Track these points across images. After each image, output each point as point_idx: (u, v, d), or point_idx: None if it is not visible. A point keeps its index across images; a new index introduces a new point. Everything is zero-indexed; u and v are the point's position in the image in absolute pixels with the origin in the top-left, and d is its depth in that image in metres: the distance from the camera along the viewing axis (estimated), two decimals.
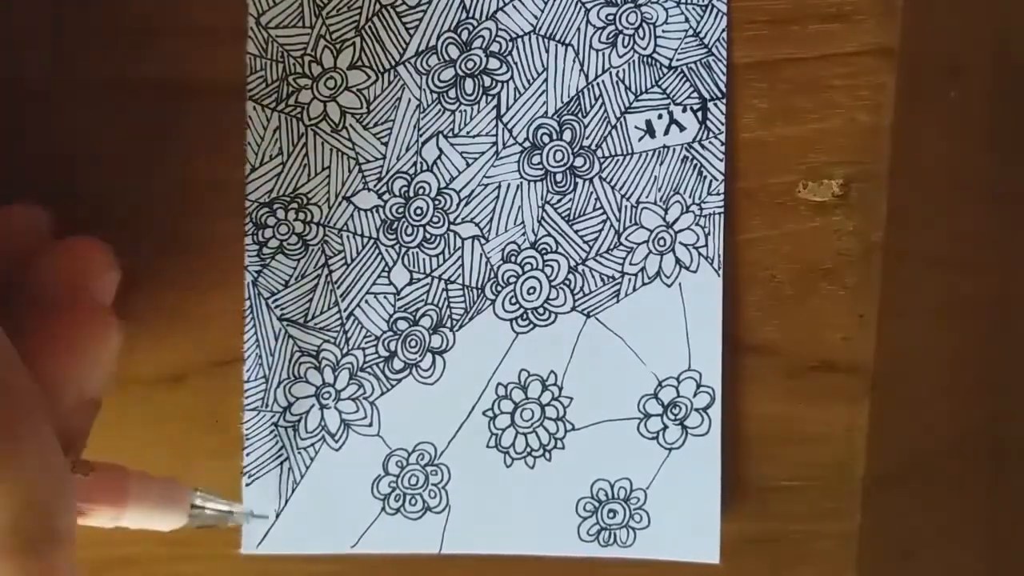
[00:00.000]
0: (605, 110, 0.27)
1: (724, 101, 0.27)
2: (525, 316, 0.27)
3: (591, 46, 0.26)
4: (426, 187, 0.27)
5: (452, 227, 0.27)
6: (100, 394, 0.23)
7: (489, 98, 0.27)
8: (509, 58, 0.26)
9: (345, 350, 0.27)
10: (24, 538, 0.16)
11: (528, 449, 0.28)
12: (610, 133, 0.27)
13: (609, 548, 0.28)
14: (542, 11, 0.26)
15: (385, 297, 0.27)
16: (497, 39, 0.26)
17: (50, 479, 0.17)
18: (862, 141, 0.27)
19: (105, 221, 0.26)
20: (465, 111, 0.27)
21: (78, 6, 0.25)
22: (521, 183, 0.27)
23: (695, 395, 0.27)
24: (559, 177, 0.27)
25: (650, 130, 0.27)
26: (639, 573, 0.28)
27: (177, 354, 0.27)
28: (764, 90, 0.27)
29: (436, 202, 0.27)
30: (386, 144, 0.27)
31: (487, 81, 0.27)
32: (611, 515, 0.28)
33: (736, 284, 0.27)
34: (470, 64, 0.26)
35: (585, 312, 0.27)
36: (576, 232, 0.27)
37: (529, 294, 0.27)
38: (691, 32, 0.26)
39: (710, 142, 0.27)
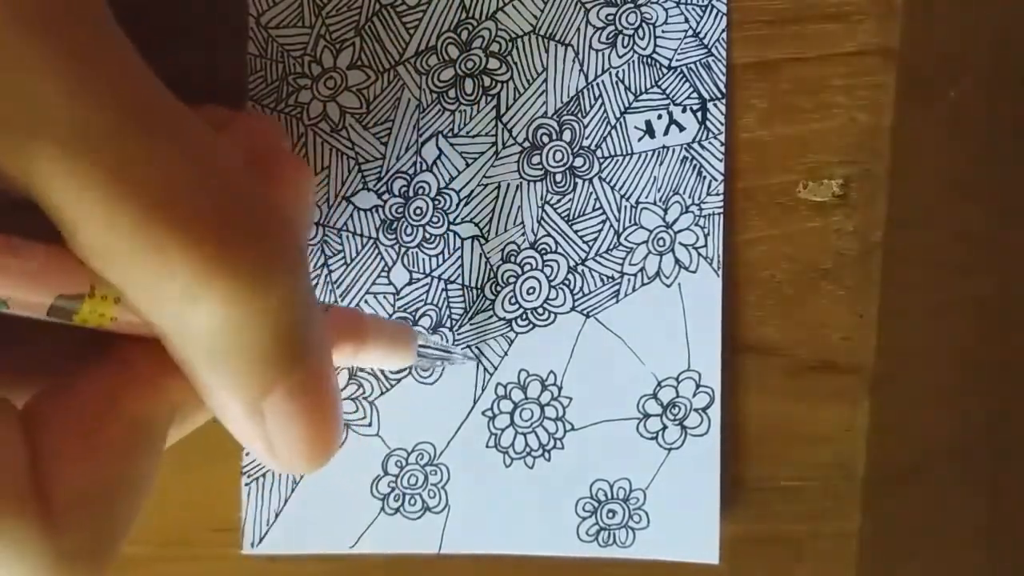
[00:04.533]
0: (605, 110, 0.27)
1: (724, 101, 0.27)
2: (524, 316, 0.27)
3: (591, 46, 0.26)
4: (426, 187, 0.27)
5: (452, 227, 0.27)
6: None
7: (489, 98, 0.27)
8: (509, 58, 0.26)
9: None
10: (293, 348, 0.17)
11: (527, 449, 0.28)
12: (610, 133, 0.27)
13: (608, 548, 0.28)
14: (542, 11, 0.26)
15: (385, 297, 0.27)
16: (497, 39, 0.26)
17: (310, 297, 0.17)
18: (862, 141, 0.27)
19: None
20: (465, 111, 0.27)
21: None
22: (521, 183, 0.27)
23: (694, 395, 0.27)
24: (559, 177, 0.27)
25: (650, 130, 0.27)
26: (638, 573, 0.28)
27: None
28: (764, 90, 0.27)
29: (436, 202, 0.27)
30: (386, 144, 0.27)
31: (487, 81, 0.27)
32: (610, 515, 0.28)
33: (736, 284, 0.27)
34: (470, 64, 0.26)
35: (584, 312, 0.27)
36: (576, 232, 0.27)
37: (529, 294, 0.27)
38: (691, 32, 0.26)
39: (710, 142, 0.27)
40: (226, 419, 0.18)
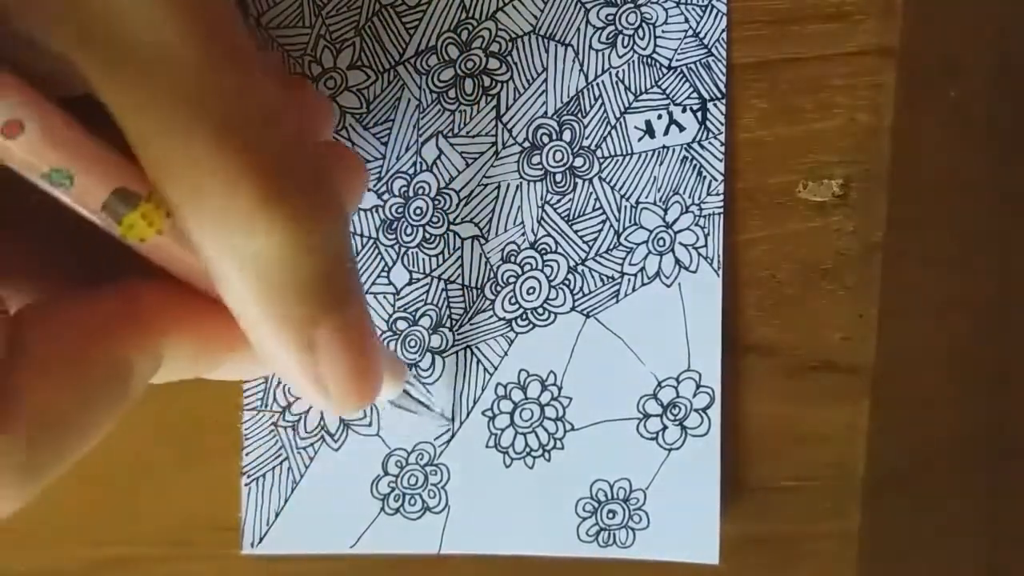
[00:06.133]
0: (605, 110, 0.27)
1: (724, 101, 0.27)
2: (524, 316, 0.27)
3: (591, 46, 0.26)
4: (426, 187, 0.27)
5: (452, 227, 0.27)
6: None
7: (489, 98, 0.27)
8: (509, 58, 0.26)
9: None
10: (342, 282, 0.18)
11: (527, 449, 0.28)
12: (610, 133, 0.27)
13: (608, 549, 0.28)
14: (542, 11, 0.26)
15: (385, 297, 0.27)
16: (497, 39, 0.26)
17: (348, 239, 0.18)
18: (862, 141, 0.27)
19: None
20: (465, 111, 0.27)
21: None
22: (521, 183, 0.27)
23: (694, 395, 0.27)
24: (559, 177, 0.27)
25: (650, 130, 0.27)
26: (638, 573, 0.28)
27: None
28: (764, 90, 0.27)
29: (436, 202, 0.27)
30: (386, 144, 0.27)
31: (487, 81, 0.27)
32: (610, 515, 0.28)
33: (736, 284, 0.27)
34: (470, 64, 0.26)
35: (584, 312, 0.27)
36: (576, 232, 0.27)
37: (529, 294, 0.27)
38: (691, 32, 0.26)
39: (710, 142, 0.27)
40: (273, 359, 0.18)
